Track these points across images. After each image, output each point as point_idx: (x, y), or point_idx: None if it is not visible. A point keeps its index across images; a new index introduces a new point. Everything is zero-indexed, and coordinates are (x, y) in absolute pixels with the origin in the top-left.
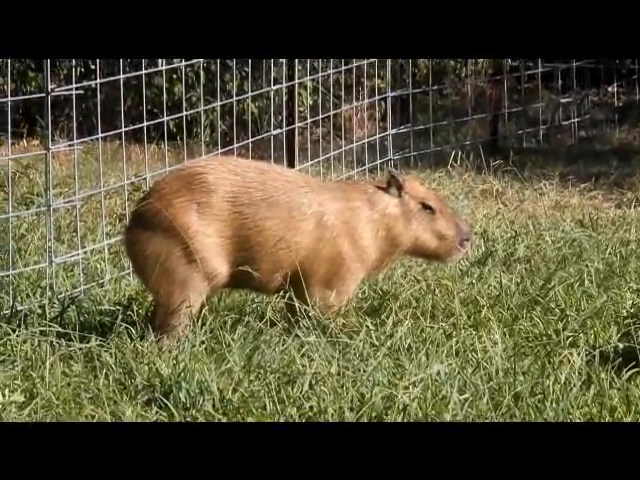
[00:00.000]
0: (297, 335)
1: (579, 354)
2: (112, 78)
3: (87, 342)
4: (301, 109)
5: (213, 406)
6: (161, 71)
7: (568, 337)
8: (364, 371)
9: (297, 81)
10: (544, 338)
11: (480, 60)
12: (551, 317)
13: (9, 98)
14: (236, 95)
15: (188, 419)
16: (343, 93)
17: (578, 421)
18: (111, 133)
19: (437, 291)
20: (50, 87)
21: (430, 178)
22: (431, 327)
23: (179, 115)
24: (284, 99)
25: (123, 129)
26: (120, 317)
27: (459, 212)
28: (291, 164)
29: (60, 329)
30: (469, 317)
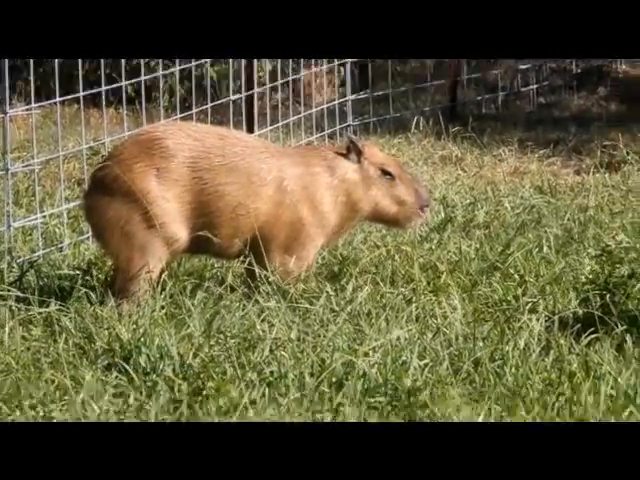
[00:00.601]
0: (257, 300)
1: (538, 320)
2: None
3: (46, 306)
4: (260, 74)
5: (173, 371)
6: None
7: (527, 303)
8: (324, 336)
9: None
10: (503, 304)
11: None
12: (510, 283)
13: None
14: (195, 60)
15: (148, 384)
16: (302, 59)
17: (538, 386)
18: (69, 97)
19: (397, 257)
20: None
21: (389, 144)
22: (391, 293)
23: (138, 79)
24: (243, 64)
25: (81, 93)
26: (79, 282)
27: (419, 178)
28: (250, 129)
29: (19, 293)
30: (429, 283)
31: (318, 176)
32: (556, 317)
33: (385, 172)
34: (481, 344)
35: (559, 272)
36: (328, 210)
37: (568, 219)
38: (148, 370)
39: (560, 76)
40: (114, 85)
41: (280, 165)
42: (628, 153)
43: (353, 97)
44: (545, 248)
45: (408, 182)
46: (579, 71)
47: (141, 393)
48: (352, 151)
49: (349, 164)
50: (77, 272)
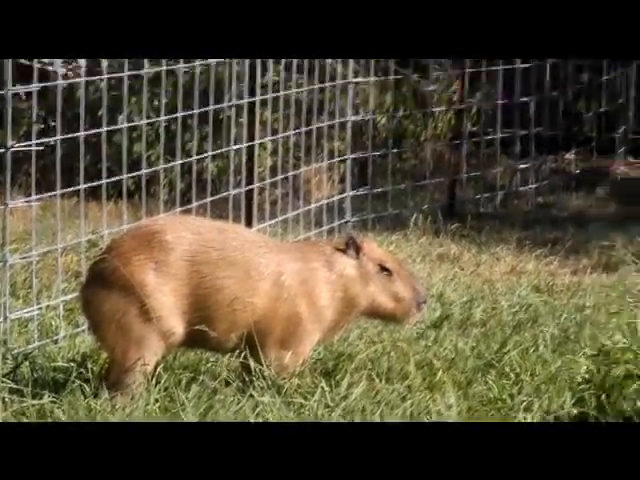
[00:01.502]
0: (252, 395)
1: (533, 418)
2: (72, 135)
3: (40, 398)
4: (260, 169)
5: None
6: (121, 129)
7: (522, 401)
8: None
9: (257, 141)
10: (498, 402)
11: (440, 124)
12: (506, 381)
13: None
14: (196, 154)
15: None
16: (303, 154)
17: None
18: (69, 190)
19: (392, 353)
20: (10, 143)
21: (387, 241)
22: (386, 389)
23: (138, 173)
24: (244, 159)
25: (82, 186)
26: (74, 374)
27: (416, 274)
28: (249, 224)
29: (13, 385)
30: (424, 379)
31: (316, 271)
32: (551, 416)
33: (383, 268)
34: None
35: (555, 371)
36: (325, 305)
37: (565, 319)
38: None
39: (559, 176)
40: (114, 178)
41: (278, 260)
42: (626, 254)
43: (352, 193)
44: (541, 347)
45: (406, 278)
46: (578, 171)
47: None
48: (351, 247)
49: (347, 260)
50: (72, 364)
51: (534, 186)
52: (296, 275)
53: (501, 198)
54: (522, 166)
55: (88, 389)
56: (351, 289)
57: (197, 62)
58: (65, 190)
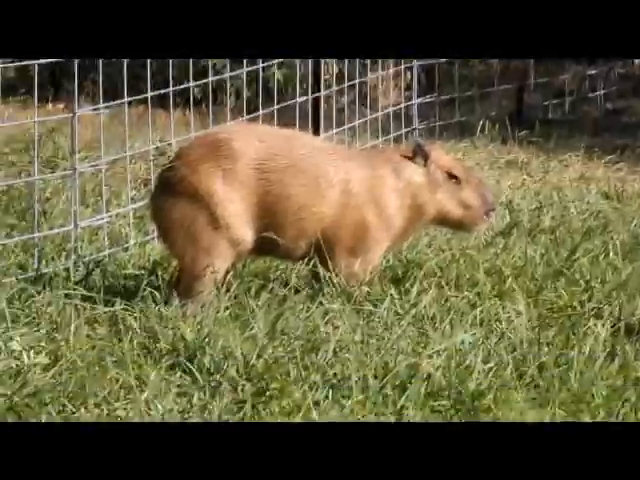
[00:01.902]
0: (321, 302)
1: (604, 325)
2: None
3: (111, 306)
4: (327, 77)
5: (237, 371)
6: None
7: (593, 308)
8: (388, 339)
9: None
10: (569, 309)
11: None
12: (576, 288)
13: (36, 61)
14: (262, 62)
15: (212, 384)
16: (369, 62)
17: (603, 392)
18: (137, 98)
19: (462, 260)
20: None
21: (455, 148)
22: (455, 296)
23: (205, 81)
24: (310, 67)
25: (149, 94)
26: (145, 281)
27: (485, 182)
28: (316, 132)
29: (85, 292)
30: (493, 287)
31: (384, 179)
32: (622, 323)
33: (451, 176)
34: (546, 349)
35: (625, 278)
36: (394, 213)
37: (635, 225)
38: (212, 370)
39: (628, 81)
40: (181, 86)
41: (346, 168)
42: None
43: (419, 101)
44: (611, 254)
45: (474, 186)
46: None
47: (205, 393)
48: (419, 154)
49: (415, 167)
50: (142, 272)
51: (603, 92)
52: (364, 183)
53: (569, 104)
54: (590, 72)
55: (159, 296)
56: (419, 196)
57: None
58: (133, 98)
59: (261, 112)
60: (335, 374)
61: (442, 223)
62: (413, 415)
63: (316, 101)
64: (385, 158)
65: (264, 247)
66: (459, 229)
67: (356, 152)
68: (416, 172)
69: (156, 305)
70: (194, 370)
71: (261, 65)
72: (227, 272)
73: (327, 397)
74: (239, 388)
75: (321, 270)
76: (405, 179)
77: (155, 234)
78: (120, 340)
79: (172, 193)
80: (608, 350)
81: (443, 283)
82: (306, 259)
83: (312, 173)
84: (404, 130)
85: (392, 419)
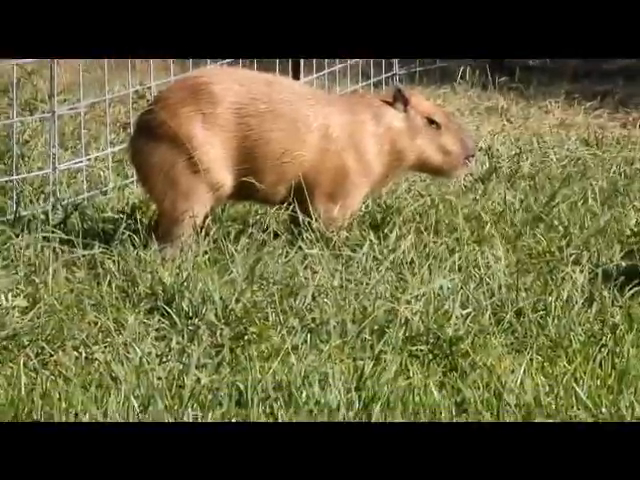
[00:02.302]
0: (300, 247)
1: (582, 271)
2: None
3: (90, 249)
4: None
5: (215, 315)
6: None
7: (571, 254)
8: (367, 284)
9: None
10: (547, 255)
11: None
12: (554, 234)
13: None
14: None
15: (190, 328)
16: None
17: (580, 338)
18: None
19: (441, 206)
20: None
21: (435, 94)
22: (434, 242)
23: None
24: None
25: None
26: (123, 225)
27: (465, 128)
28: (296, 76)
29: (63, 235)
30: (472, 233)
31: (364, 124)
32: (600, 269)
33: (431, 121)
34: (524, 295)
35: (604, 224)
36: (373, 158)
37: (614, 172)
38: (190, 314)
39: None
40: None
41: (326, 112)
42: None
43: None
44: (590, 200)
45: (454, 132)
46: None
47: (183, 337)
48: (398, 100)
49: (395, 113)
50: (121, 216)
51: None
52: (344, 128)
53: None
54: None
55: (138, 240)
56: (399, 142)
57: None
58: None
59: None
60: (314, 319)
61: (422, 169)
62: (391, 359)
63: None
64: (365, 103)
65: (243, 192)
66: (439, 175)
67: (336, 97)
68: (396, 117)
69: (135, 249)
70: (173, 314)
71: None
72: (206, 216)
73: (305, 341)
74: (217, 332)
75: (300, 215)
76: (385, 124)
77: (134, 178)
78: (99, 283)
79: (151, 137)
80: (586, 296)
81: (422, 228)
82: (285, 204)
83: (291, 118)
84: (384, 75)
85: (369, 364)
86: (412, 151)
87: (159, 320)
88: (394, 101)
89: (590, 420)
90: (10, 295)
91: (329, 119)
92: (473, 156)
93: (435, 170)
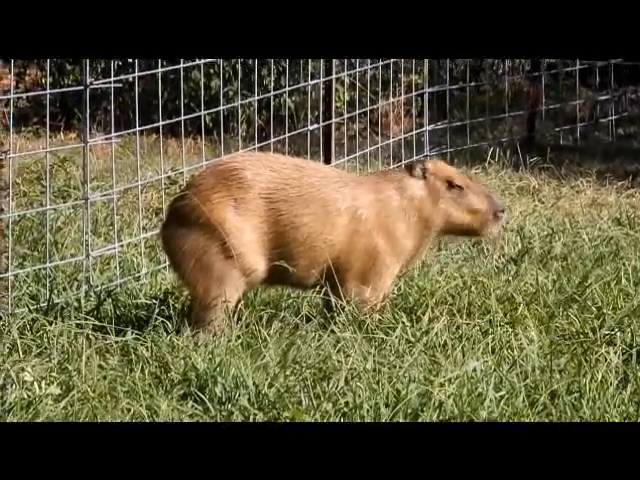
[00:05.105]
0: (333, 331)
1: (616, 352)
2: (150, 72)
3: (123, 335)
4: (338, 104)
5: (249, 400)
6: (199, 65)
7: (605, 335)
8: (400, 367)
9: (334, 76)
10: (581, 336)
11: None
12: (588, 315)
13: (48, 91)
14: (273, 90)
15: (224, 413)
16: (380, 89)
17: (615, 420)
18: (148, 127)
19: (473, 288)
20: (89, 80)
21: (466, 175)
22: (467, 324)
23: (216, 109)
24: (321, 94)
25: (161, 122)
26: (156, 311)
27: (488, 187)
28: (327, 160)
29: (96, 322)
30: (505, 314)
31: (388, 200)
32: (634, 350)
33: (452, 184)
34: (558, 376)
35: (637, 304)
36: (402, 235)
37: None
38: (224, 400)
39: (639, 107)
40: (193, 115)
41: (354, 194)
42: None
43: (430, 127)
44: (623, 280)
45: (478, 190)
46: None
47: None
48: (416, 168)
49: (415, 181)
50: (154, 301)
51: (614, 117)
52: (371, 207)
53: (581, 130)
54: (602, 97)
55: (170, 326)
56: (423, 209)
57: None
58: (144, 127)
59: (272, 140)
60: (347, 403)
61: (454, 232)
62: None
63: (327, 128)
64: (388, 178)
65: (275, 276)
66: (473, 235)
67: (363, 177)
68: (416, 185)
69: (168, 334)
70: (206, 399)
71: (272, 93)
72: (238, 301)
73: None
74: (251, 417)
75: (332, 298)
76: (407, 195)
77: (167, 263)
78: (132, 370)
79: (184, 223)
80: (620, 377)
81: (454, 311)
82: (317, 287)
83: (321, 202)
84: (415, 157)
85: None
86: (438, 216)
87: (192, 406)
88: (412, 170)
89: None
90: (44, 383)
91: (357, 200)
92: (503, 211)
93: (467, 231)
